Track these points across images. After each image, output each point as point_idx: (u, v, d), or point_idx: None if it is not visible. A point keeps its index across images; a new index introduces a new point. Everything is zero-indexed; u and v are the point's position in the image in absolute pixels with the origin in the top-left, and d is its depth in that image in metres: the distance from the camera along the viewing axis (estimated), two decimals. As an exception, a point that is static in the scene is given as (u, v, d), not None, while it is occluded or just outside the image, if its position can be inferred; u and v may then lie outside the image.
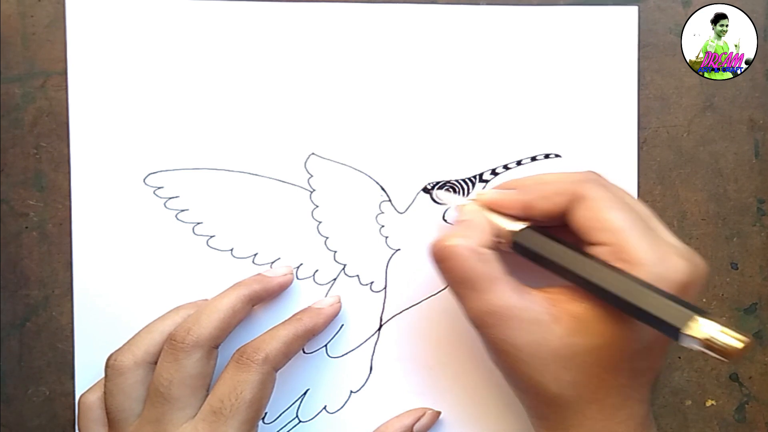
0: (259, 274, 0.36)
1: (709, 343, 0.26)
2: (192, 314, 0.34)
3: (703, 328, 0.26)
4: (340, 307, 0.37)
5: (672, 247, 0.30)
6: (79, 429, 0.34)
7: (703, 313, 0.26)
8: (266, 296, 0.36)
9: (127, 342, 0.34)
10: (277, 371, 0.33)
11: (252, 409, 0.32)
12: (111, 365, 0.33)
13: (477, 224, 0.32)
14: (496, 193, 0.34)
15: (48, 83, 0.37)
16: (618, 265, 0.29)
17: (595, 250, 0.30)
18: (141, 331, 0.34)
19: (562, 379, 0.30)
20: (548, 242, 0.31)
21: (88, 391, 0.35)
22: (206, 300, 0.36)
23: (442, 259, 0.31)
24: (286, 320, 0.35)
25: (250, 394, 0.32)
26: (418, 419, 0.37)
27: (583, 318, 0.29)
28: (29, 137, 0.37)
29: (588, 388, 0.30)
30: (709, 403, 0.39)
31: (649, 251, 0.29)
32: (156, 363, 0.33)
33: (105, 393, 0.33)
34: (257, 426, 0.33)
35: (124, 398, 0.33)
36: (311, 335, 0.35)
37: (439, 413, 0.37)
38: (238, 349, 0.33)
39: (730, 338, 0.25)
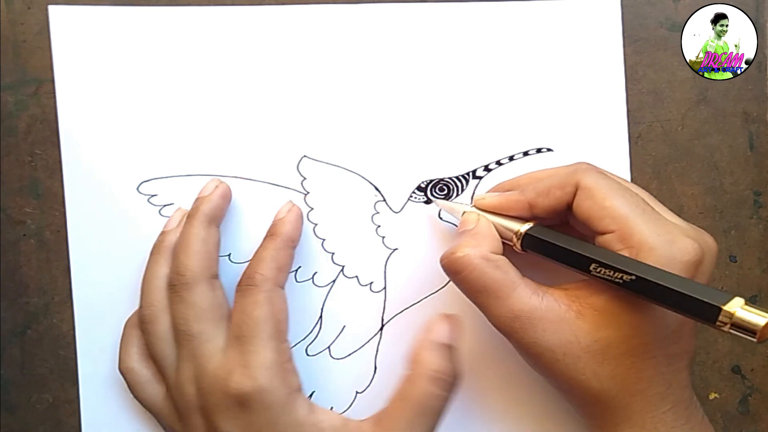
0: (197, 198, 0.36)
1: (745, 325, 0.25)
2: (173, 260, 0.34)
3: (738, 311, 0.25)
4: (298, 209, 0.36)
5: (678, 228, 0.29)
6: (134, 395, 0.35)
7: (729, 296, 0.25)
8: (219, 213, 0.35)
9: (140, 298, 0.35)
10: (281, 287, 0.34)
11: (269, 324, 0.32)
12: (142, 318, 0.34)
13: (483, 231, 0.32)
14: (497, 197, 0.34)
15: (40, 90, 0.37)
16: (626, 251, 0.29)
17: (603, 239, 0.30)
18: (143, 284, 0.35)
19: (601, 374, 0.29)
20: (562, 236, 0.31)
21: (121, 360, 0.35)
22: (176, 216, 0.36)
23: (455, 271, 0.31)
24: (261, 242, 0.35)
25: (261, 311, 0.32)
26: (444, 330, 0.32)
27: (606, 310, 0.29)
28: (24, 145, 0.37)
29: (628, 380, 0.29)
30: (712, 396, 0.39)
31: (657, 235, 0.28)
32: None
33: (147, 345, 0.34)
34: (287, 341, 0.33)
35: (164, 344, 0.33)
36: (291, 243, 0.35)
37: (455, 316, 0.33)
38: (237, 284, 0.34)
39: (759, 317, 0.25)
